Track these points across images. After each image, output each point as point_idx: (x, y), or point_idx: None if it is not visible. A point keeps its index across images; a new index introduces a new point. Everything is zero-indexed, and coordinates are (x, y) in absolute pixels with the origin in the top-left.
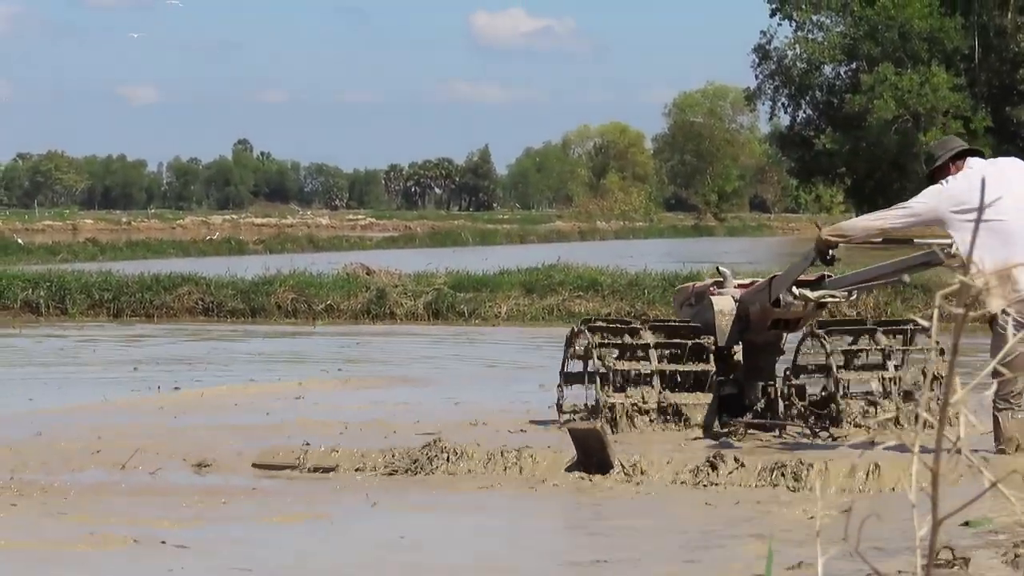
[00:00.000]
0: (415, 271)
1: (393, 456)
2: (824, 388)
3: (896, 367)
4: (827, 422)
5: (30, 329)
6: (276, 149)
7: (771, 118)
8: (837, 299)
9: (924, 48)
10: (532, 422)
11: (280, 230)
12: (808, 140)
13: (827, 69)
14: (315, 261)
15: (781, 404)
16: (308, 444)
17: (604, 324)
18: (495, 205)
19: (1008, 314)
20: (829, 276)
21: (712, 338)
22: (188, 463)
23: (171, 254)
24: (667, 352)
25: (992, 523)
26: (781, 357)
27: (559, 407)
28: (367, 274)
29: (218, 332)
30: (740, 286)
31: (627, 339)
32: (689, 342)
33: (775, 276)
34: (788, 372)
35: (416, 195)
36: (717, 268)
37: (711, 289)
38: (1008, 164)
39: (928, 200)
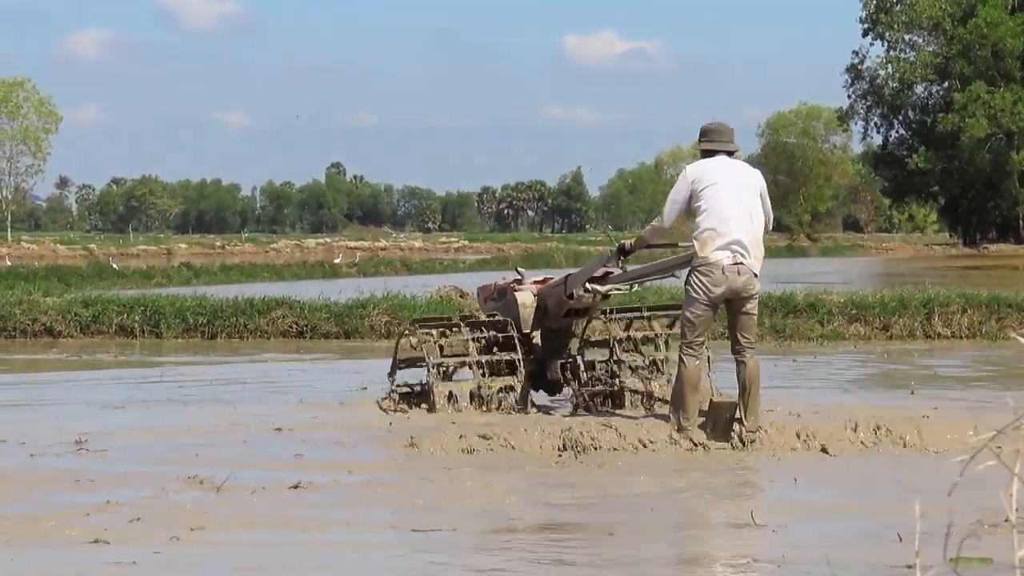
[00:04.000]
0: None
1: None
2: (608, 363)
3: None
4: (609, 392)
5: (151, 359)
6: (369, 172)
7: (864, 138)
8: (621, 291)
9: (1017, 67)
10: None
11: (373, 253)
12: (901, 159)
13: (919, 88)
14: (408, 284)
15: (582, 375)
16: None
17: (431, 321)
18: (587, 227)
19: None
20: (611, 273)
21: (517, 327)
22: None
23: (265, 278)
24: (482, 343)
25: (992, 564)
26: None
27: (392, 387)
28: (460, 297)
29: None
30: (535, 283)
31: (450, 334)
32: (501, 335)
33: (570, 274)
34: (579, 349)
35: (509, 217)
36: (516, 269)
37: (512, 286)
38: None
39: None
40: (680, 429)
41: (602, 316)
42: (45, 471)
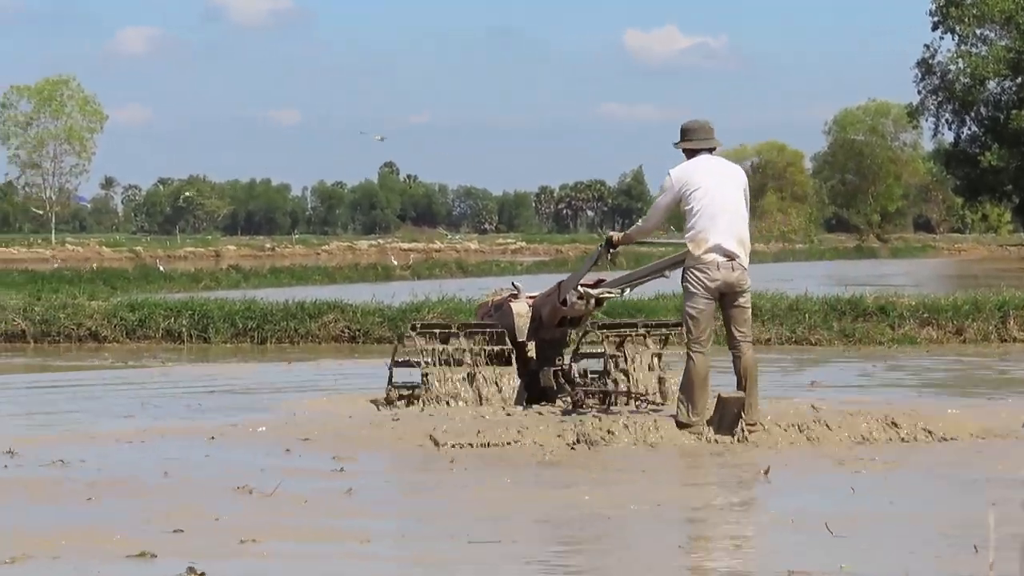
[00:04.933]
0: None
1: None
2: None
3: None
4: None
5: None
6: (423, 172)
7: (935, 135)
8: (613, 296)
9: None
10: None
11: (428, 255)
12: (973, 157)
13: (992, 84)
14: (464, 287)
15: (576, 381)
16: None
17: (429, 328)
18: None
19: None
20: (603, 280)
21: (513, 337)
22: None
23: (316, 281)
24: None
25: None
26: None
27: (389, 384)
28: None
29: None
30: (530, 297)
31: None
32: (496, 346)
33: (562, 281)
34: (572, 356)
35: (567, 218)
36: (512, 283)
37: (508, 300)
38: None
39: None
40: (688, 424)
41: (597, 331)
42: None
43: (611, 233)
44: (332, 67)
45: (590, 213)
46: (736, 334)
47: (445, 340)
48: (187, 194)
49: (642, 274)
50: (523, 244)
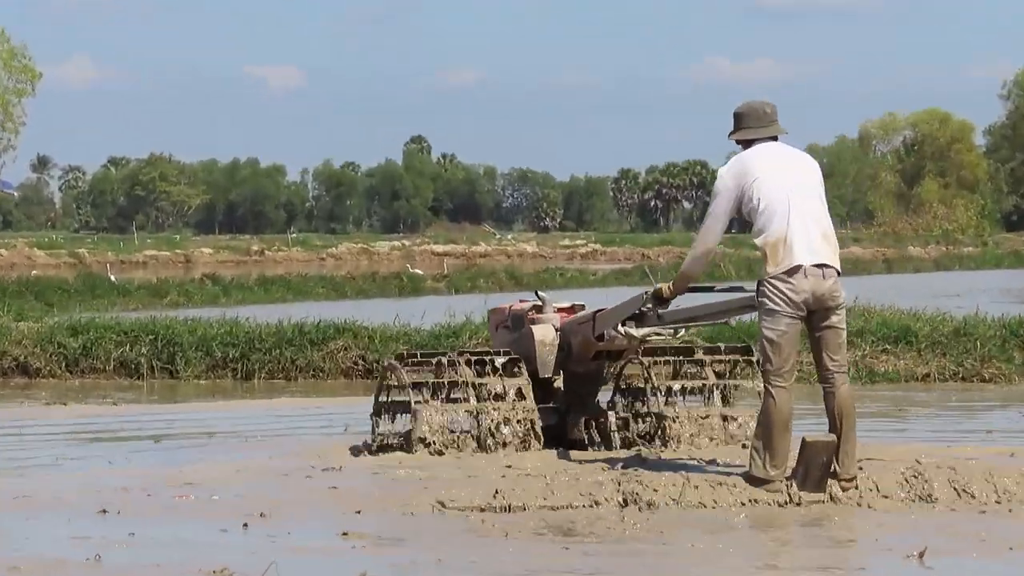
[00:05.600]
0: None
1: None
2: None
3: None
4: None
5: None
6: (463, 150)
7: None
8: (662, 336)
9: None
10: None
11: (469, 261)
12: None
13: None
14: None
15: (616, 437)
16: None
17: (417, 358)
18: None
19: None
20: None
21: (533, 370)
22: None
23: (319, 295)
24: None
25: None
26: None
27: (373, 435)
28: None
29: None
30: (560, 311)
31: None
32: (508, 382)
33: (600, 310)
34: (611, 399)
35: (657, 211)
36: (536, 293)
37: (530, 315)
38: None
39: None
40: (764, 479)
41: (641, 360)
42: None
43: (660, 285)
44: (342, 10)
45: (687, 205)
46: (828, 363)
47: (442, 374)
48: (147, 178)
49: (702, 313)
50: (597, 246)
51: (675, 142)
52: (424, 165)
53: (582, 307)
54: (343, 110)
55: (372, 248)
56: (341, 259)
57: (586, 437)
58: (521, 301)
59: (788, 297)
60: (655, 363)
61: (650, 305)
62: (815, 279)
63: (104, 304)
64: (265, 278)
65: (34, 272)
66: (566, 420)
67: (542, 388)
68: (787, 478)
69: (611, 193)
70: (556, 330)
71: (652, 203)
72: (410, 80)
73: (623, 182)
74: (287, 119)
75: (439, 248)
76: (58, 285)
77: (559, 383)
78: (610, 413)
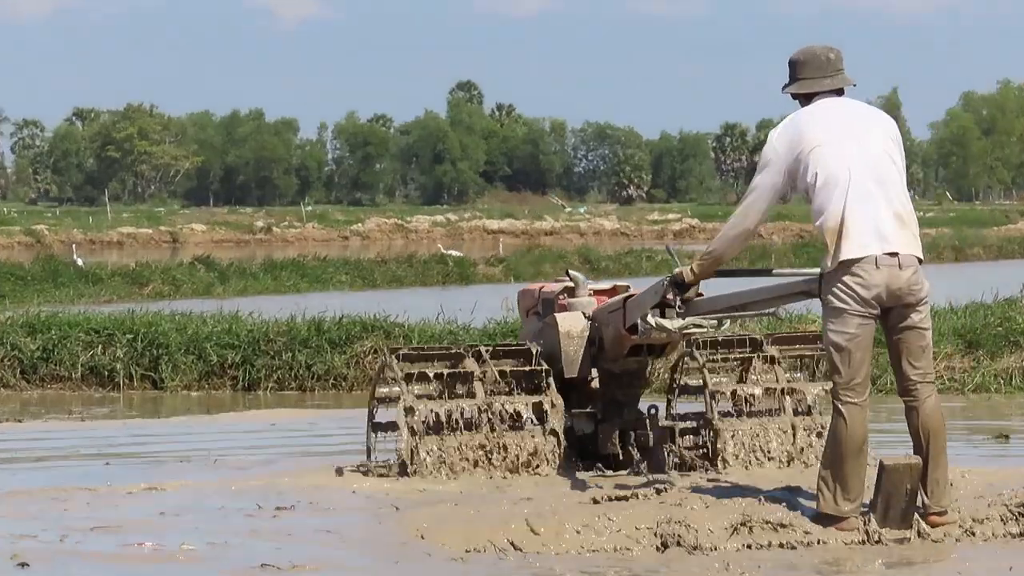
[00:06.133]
0: None
1: None
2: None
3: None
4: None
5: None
6: (524, 101)
7: None
8: (704, 329)
9: None
10: None
11: (531, 240)
12: None
13: None
14: None
15: (662, 453)
16: None
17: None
18: (911, 194)
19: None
20: (700, 294)
21: (557, 370)
22: None
23: (340, 283)
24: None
25: None
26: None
27: (368, 455)
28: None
29: None
30: (597, 293)
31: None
32: (526, 385)
33: (630, 296)
34: (668, 407)
35: None
36: (567, 272)
37: (560, 298)
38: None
39: None
40: (837, 515)
41: (696, 357)
42: None
43: (679, 269)
44: None
45: None
46: (910, 371)
47: (450, 374)
48: (123, 135)
49: (750, 300)
50: (694, 221)
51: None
52: (475, 119)
53: (626, 288)
54: (371, 48)
55: (408, 224)
56: (369, 238)
57: (622, 453)
58: (557, 280)
59: (856, 293)
60: (712, 359)
61: (670, 294)
62: (889, 270)
63: (69, 295)
64: (272, 262)
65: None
66: (600, 428)
67: (576, 390)
68: (863, 513)
69: (712, 154)
70: (587, 319)
71: None
72: (457, 10)
73: (727, 140)
74: (300, 60)
75: (493, 224)
76: (10, 271)
77: (595, 384)
78: (648, 423)
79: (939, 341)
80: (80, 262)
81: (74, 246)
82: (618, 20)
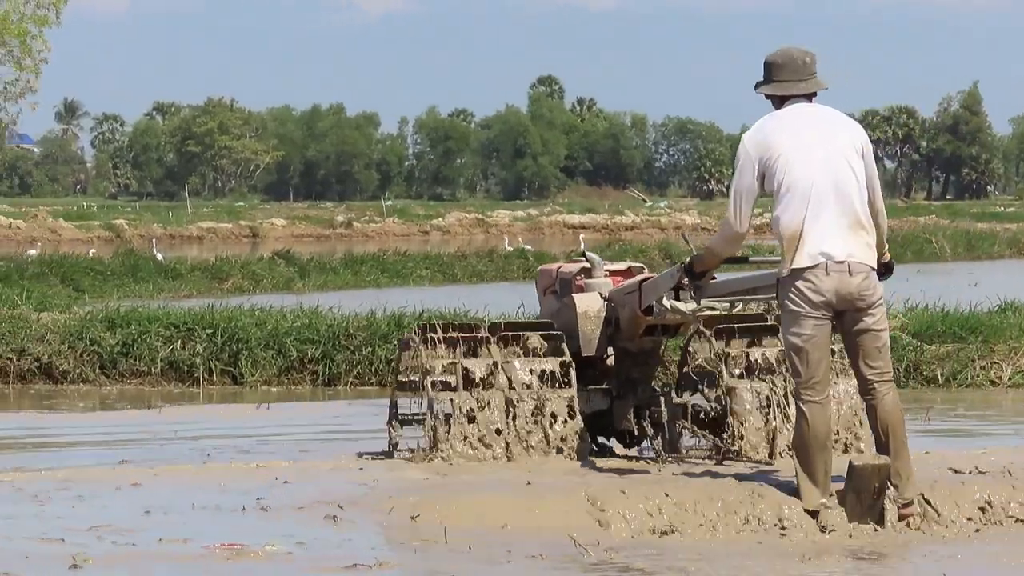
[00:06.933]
0: None
1: None
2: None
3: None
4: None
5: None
6: (605, 95)
7: None
8: (716, 311)
9: None
10: None
11: (612, 235)
12: None
13: None
14: None
15: (667, 428)
16: None
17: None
18: (990, 189)
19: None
20: (714, 278)
21: (574, 347)
22: None
23: (421, 278)
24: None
25: None
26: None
27: (392, 448)
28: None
29: None
30: (613, 274)
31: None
32: (547, 364)
33: (646, 279)
34: (671, 386)
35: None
36: (583, 253)
37: (578, 279)
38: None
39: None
40: (814, 508)
41: (709, 337)
42: None
43: (687, 259)
44: None
45: (888, 164)
46: (866, 371)
47: (471, 351)
48: (203, 129)
49: (763, 284)
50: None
51: (876, 84)
52: (555, 113)
53: (640, 269)
54: (453, 43)
55: (488, 218)
56: (449, 233)
57: (636, 428)
58: (574, 261)
59: (808, 298)
60: (721, 338)
61: (685, 280)
62: (839, 276)
63: (149, 290)
64: (353, 257)
65: (60, 249)
66: (615, 405)
67: (592, 367)
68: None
69: None
70: (604, 299)
71: None
72: (537, 4)
73: None
74: (381, 55)
75: (574, 219)
76: (90, 266)
77: (611, 362)
78: (662, 400)
79: (1019, 338)
80: (159, 257)
81: (154, 241)
82: (700, 14)
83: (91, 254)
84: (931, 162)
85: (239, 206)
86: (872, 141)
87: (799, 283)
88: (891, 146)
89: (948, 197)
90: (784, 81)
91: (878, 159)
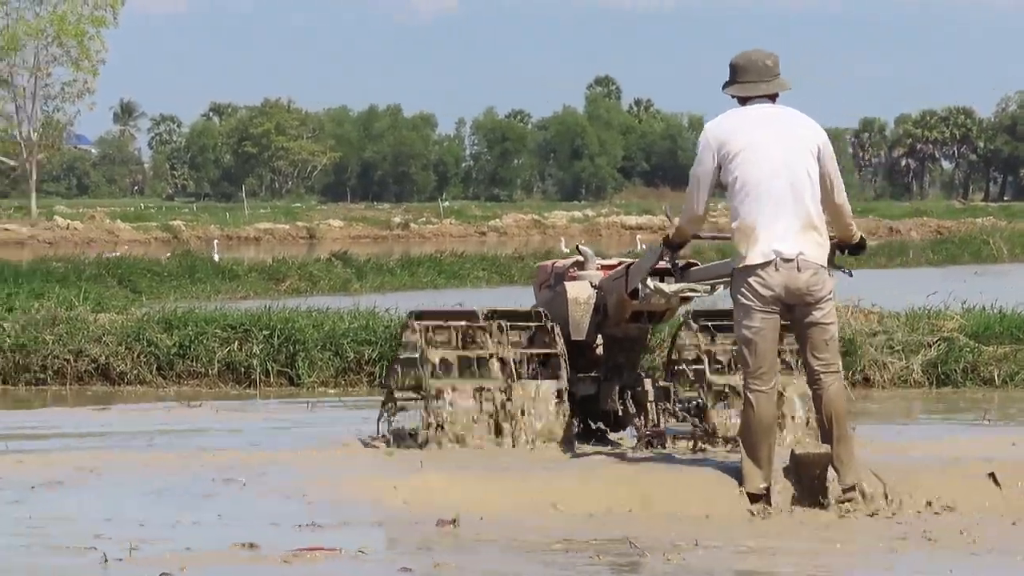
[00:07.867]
0: (908, 307)
1: None
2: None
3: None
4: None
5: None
6: (662, 96)
7: None
8: (699, 294)
9: None
10: None
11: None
12: None
13: None
14: None
15: (653, 409)
16: None
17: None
18: None
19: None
20: (696, 265)
21: (566, 333)
22: None
23: (479, 279)
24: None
25: None
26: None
27: (387, 430)
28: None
29: None
30: (604, 268)
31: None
32: (537, 349)
33: (632, 263)
34: (665, 369)
35: (909, 173)
36: (577, 247)
37: (571, 271)
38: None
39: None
40: (756, 492)
41: (692, 323)
42: None
43: (668, 232)
44: None
45: (946, 165)
46: (814, 363)
47: (466, 340)
48: (260, 130)
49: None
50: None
51: (934, 83)
52: (612, 114)
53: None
54: (509, 44)
55: (546, 219)
56: (506, 234)
57: (619, 408)
58: (570, 257)
59: (758, 292)
60: (704, 327)
61: (667, 257)
62: (788, 272)
63: (206, 291)
64: (410, 258)
65: (117, 250)
66: (601, 390)
67: (582, 355)
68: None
69: (850, 150)
70: (594, 288)
71: (903, 162)
72: (593, 5)
73: (866, 136)
74: (438, 56)
75: (631, 220)
76: (148, 267)
77: (600, 350)
78: (647, 381)
79: None
80: (217, 258)
81: (215, 242)
82: (756, 13)
83: (165, 259)
84: (989, 163)
85: (296, 207)
86: (929, 142)
87: (750, 279)
88: (948, 147)
89: (1006, 198)
90: (747, 83)
91: (935, 160)
